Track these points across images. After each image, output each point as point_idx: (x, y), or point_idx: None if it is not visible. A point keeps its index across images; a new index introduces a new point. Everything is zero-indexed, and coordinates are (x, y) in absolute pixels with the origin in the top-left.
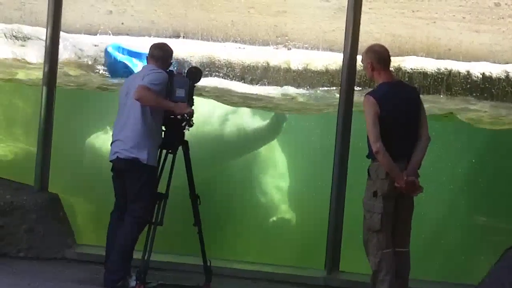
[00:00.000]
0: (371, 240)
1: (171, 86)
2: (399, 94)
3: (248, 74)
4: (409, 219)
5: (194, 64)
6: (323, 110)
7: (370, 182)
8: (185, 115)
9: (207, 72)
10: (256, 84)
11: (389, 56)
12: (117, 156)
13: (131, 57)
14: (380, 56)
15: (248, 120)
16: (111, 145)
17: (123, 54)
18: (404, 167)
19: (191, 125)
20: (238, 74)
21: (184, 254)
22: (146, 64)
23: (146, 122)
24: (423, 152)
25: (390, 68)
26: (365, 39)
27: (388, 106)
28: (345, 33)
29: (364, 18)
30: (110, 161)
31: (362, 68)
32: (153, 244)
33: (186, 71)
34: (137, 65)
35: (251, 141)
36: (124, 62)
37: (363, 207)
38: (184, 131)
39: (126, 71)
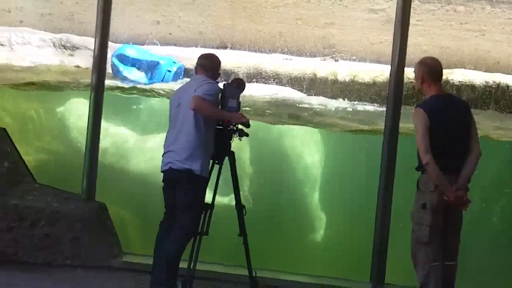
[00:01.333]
0: (419, 252)
1: (223, 97)
2: (448, 107)
3: (295, 85)
4: (458, 233)
5: (241, 75)
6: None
7: (419, 194)
8: (236, 125)
9: (254, 83)
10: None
11: (441, 70)
12: (170, 167)
13: (132, 67)
14: (431, 69)
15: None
16: (163, 155)
17: (125, 64)
18: (454, 180)
19: (246, 135)
20: (285, 85)
21: (230, 264)
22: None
23: (200, 133)
24: (473, 166)
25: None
26: (413, 51)
27: (438, 118)
28: (393, 45)
29: (412, 30)
30: (162, 171)
31: (410, 80)
32: (198, 254)
33: (228, 83)
34: (140, 78)
35: None
36: (124, 75)
37: (411, 219)
38: (231, 142)
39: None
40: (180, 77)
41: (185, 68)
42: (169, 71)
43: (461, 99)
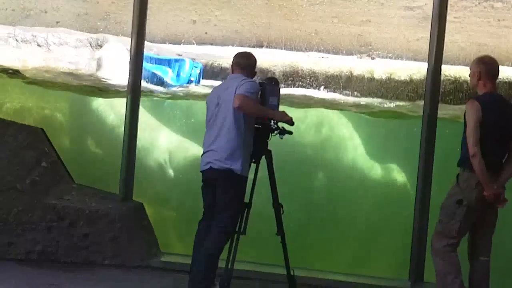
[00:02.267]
0: (441, 242)
1: (263, 95)
2: (500, 106)
3: (332, 83)
4: (491, 229)
5: (277, 74)
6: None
7: (457, 189)
8: (276, 123)
9: (290, 82)
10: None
11: (498, 70)
12: (211, 167)
13: (161, 65)
14: (489, 68)
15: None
16: (202, 155)
17: (151, 63)
18: (493, 178)
19: (290, 133)
20: (321, 83)
21: (268, 264)
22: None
23: (240, 133)
24: None
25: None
26: (450, 49)
27: (490, 114)
28: (430, 42)
29: (449, 27)
30: (202, 171)
31: (447, 77)
32: (236, 253)
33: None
34: (168, 72)
35: None
36: (153, 72)
37: (441, 210)
38: (268, 140)
39: (158, 80)
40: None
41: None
42: (196, 66)
43: (511, 104)
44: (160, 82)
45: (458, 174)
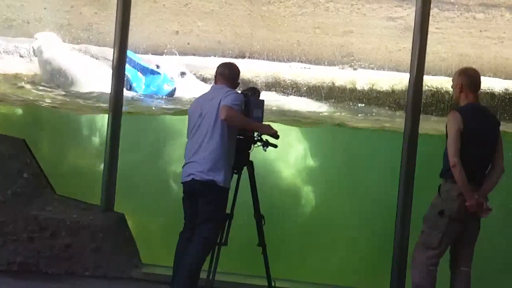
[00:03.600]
0: (422, 254)
1: (247, 107)
2: (482, 118)
3: (314, 94)
4: (473, 240)
5: (259, 84)
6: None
7: (439, 201)
8: (260, 135)
9: (272, 92)
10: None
11: (480, 81)
12: (193, 178)
13: (136, 69)
14: (472, 81)
15: None
16: (183, 166)
17: (129, 64)
18: (474, 189)
19: (275, 146)
20: (303, 94)
21: (249, 275)
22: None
23: (223, 144)
24: (496, 179)
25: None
26: (432, 59)
27: (471, 125)
28: (412, 53)
29: (431, 38)
30: (183, 182)
31: (428, 88)
32: (217, 264)
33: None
34: (140, 79)
35: None
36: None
37: (423, 221)
38: (250, 151)
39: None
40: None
41: None
42: (169, 84)
43: (493, 114)
44: (128, 84)
45: (439, 185)
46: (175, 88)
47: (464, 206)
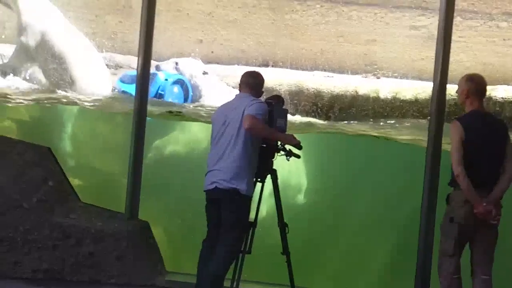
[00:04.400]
0: (444, 264)
1: (271, 116)
2: (486, 124)
3: (337, 102)
4: (490, 248)
5: (282, 93)
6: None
7: (449, 208)
8: (282, 144)
9: (295, 101)
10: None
11: (485, 88)
12: (216, 186)
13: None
14: (477, 87)
15: None
16: (206, 174)
17: (126, 82)
18: (485, 196)
19: (297, 156)
20: (326, 102)
21: (273, 283)
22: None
23: (246, 152)
24: (506, 184)
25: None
26: (455, 68)
27: (474, 133)
28: (435, 62)
29: (454, 46)
30: (206, 190)
31: (452, 97)
32: (241, 272)
33: (272, 100)
34: None
35: None
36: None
37: (440, 231)
38: (273, 159)
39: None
40: (189, 96)
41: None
42: (166, 80)
43: (500, 119)
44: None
45: (449, 193)
46: (189, 91)
47: (472, 213)
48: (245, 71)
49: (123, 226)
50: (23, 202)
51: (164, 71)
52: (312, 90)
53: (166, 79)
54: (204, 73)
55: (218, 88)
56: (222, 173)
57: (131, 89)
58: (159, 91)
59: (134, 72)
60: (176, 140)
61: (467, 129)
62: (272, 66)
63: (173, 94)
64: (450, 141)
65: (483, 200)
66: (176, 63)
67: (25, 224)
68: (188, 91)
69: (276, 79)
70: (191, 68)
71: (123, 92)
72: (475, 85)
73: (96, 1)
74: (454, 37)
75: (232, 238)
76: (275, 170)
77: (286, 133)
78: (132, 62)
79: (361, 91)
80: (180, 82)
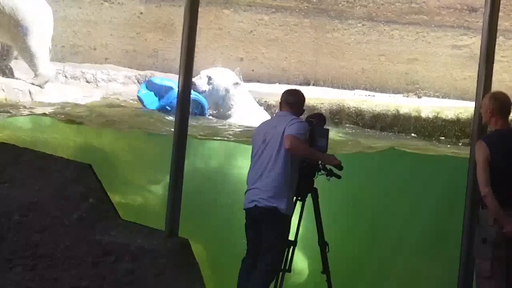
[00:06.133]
0: (482, 286)
1: (312, 135)
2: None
3: (378, 122)
4: None
5: (323, 111)
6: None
7: (480, 229)
8: (323, 164)
9: (336, 120)
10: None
11: (511, 106)
12: (256, 205)
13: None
14: (503, 105)
15: None
16: (246, 192)
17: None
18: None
19: (338, 177)
20: (367, 122)
21: None
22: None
23: (287, 171)
24: None
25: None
26: (498, 88)
27: (500, 152)
28: (477, 81)
29: (496, 66)
30: (246, 209)
31: None
32: None
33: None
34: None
35: None
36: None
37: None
38: (314, 178)
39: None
40: (205, 112)
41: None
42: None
43: None
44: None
45: (477, 213)
46: (204, 108)
47: (502, 232)
48: (285, 89)
49: (163, 244)
50: (63, 219)
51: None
52: (353, 109)
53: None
54: (235, 84)
55: (248, 101)
56: (261, 192)
57: (147, 97)
58: (167, 106)
59: (160, 81)
60: (216, 157)
61: (492, 148)
62: (313, 84)
63: None
64: (476, 161)
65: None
66: (209, 78)
67: (65, 240)
68: (202, 108)
69: (317, 98)
70: (224, 80)
71: (138, 97)
72: (499, 103)
73: (137, 18)
74: (496, 56)
75: (272, 257)
76: (315, 189)
77: (327, 153)
78: (173, 79)
79: (403, 110)
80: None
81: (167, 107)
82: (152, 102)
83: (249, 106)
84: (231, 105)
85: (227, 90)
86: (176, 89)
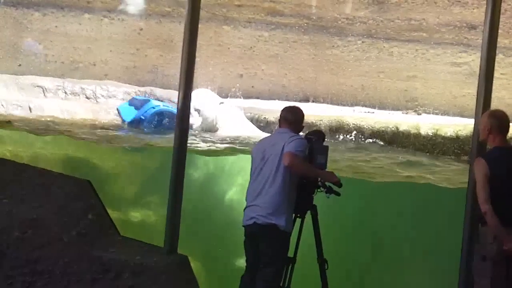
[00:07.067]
0: None
1: (311, 152)
2: (510, 159)
3: (378, 138)
4: None
5: (323, 128)
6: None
7: (479, 247)
8: (322, 181)
9: (336, 136)
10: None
11: (509, 124)
12: (255, 222)
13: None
14: (501, 123)
15: None
16: (245, 209)
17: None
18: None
19: (337, 194)
20: (367, 138)
21: None
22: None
23: (285, 189)
24: None
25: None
26: (497, 105)
27: (499, 169)
28: (477, 99)
29: (496, 83)
30: (244, 225)
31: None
32: None
33: (312, 137)
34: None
35: None
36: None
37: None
38: (313, 195)
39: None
40: (167, 123)
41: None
42: (153, 107)
43: None
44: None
45: (477, 231)
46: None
47: (503, 249)
48: (285, 106)
49: (162, 260)
50: (63, 235)
51: (162, 103)
52: (353, 125)
53: (153, 107)
54: (221, 103)
55: (236, 118)
56: (260, 209)
57: (125, 110)
58: (141, 116)
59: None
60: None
61: (492, 165)
62: (313, 101)
63: (152, 123)
64: (476, 178)
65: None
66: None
67: (65, 257)
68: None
69: (317, 114)
70: (206, 98)
71: (117, 110)
72: (497, 121)
73: (137, 35)
74: (496, 74)
75: (270, 274)
76: (315, 206)
77: (327, 170)
78: (173, 96)
79: (402, 127)
80: (162, 113)
81: (142, 116)
82: (129, 114)
83: (236, 120)
84: (216, 123)
85: (213, 109)
86: (153, 102)
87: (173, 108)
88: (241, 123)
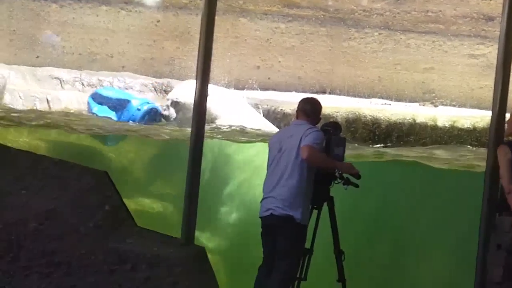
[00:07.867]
0: None
1: (328, 144)
2: None
3: (395, 130)
4: None
5: (339, 120)
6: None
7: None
8: (340, 172)
9: (353, 128)
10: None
11: None
12: (271, 213)
13: (103, 106)
14: None
15: None
16: (262, 201)
17: (97, 102)
18: None
19: (356, 186)
20: (384, 130)
21: None
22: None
23: (302, 181)
24: None
25: None
26: None
27: None
28: (494, 90)
29: None
30: (261, 217)
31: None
32: None
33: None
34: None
35: None
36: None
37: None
38: (330, 187)
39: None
40: (156, 119)
41: (158, 111)
42: (139, 109)
43: None
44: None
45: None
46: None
47: None
48: (302, 98)
49: (179, 252)
50: (79, 226)
51: (140, 99)
52: (370, 117)
53: (138, 109)
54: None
55: (237, 104)
56: (277, 201)
57: (101, 113)
58: (131, 120)
59: (106, 91)
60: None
61: None
62: (329, 93)
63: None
64: (499, 164)
65: None
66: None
67: (82, 248)
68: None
69: (333, 106)
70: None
71: (94, 113)
72: None
73: (154, 26)
74: None
75: (287, 265)
76: (332, 198)
77: (344, 161)
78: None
79: (419, 119)
80: (151, 111)
81: (131, 121)
82: (103, 112)
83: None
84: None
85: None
86: (132, 101)
87: (153, 103)
88: (241, 112)
